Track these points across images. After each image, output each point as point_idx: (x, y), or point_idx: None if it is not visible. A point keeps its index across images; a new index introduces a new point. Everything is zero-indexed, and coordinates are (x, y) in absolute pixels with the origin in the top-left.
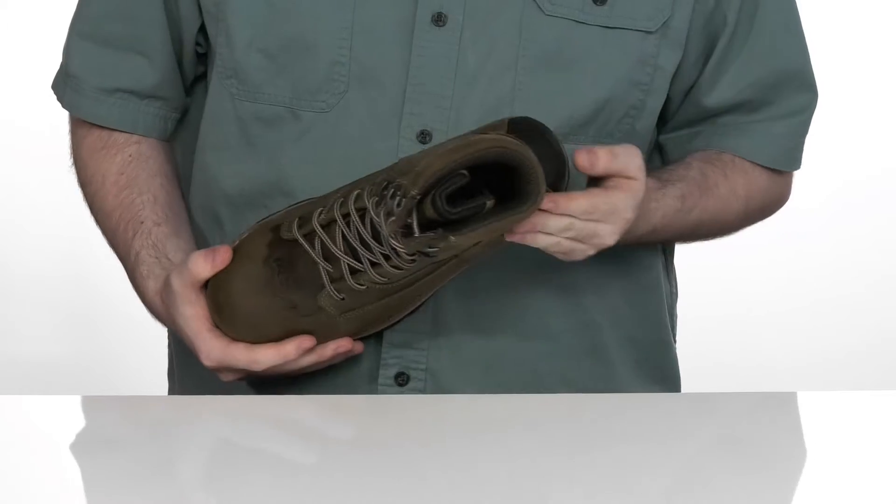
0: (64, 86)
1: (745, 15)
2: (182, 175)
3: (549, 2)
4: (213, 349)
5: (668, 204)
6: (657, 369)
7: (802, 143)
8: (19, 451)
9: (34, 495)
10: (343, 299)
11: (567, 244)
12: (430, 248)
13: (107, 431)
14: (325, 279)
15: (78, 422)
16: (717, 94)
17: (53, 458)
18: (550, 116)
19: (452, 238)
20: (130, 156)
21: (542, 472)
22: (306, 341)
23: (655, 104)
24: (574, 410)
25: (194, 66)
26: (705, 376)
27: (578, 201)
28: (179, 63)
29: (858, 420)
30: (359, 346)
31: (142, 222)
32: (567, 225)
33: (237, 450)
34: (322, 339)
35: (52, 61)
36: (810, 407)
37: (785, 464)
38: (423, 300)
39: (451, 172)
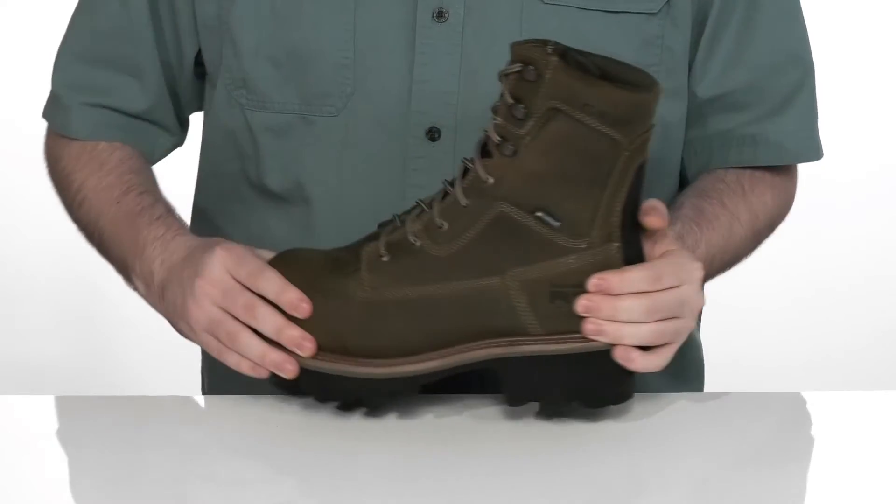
0: (54, 110)
1: None
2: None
3: None
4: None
5: None
6: (679, 366)
7: (815, 125)
8: (19, 451)
9: (34, 495)
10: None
11: (663, 329)
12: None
13: (107, 432)
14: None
15: (78, 422)
16: (708, 81)
17: (53, 459)
18: None
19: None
20: (129, 154)
21: (545, 470)
22: (303, 306)
23: (673, 85)
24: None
25: (191, 94)
26: (705, 376)
27: (634, 271)
28: (174, 91)
29: (858, 420)
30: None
31: (159, 198)
32: (648, 306)
33: (248, 450)
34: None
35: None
36: (810, 407)
37: (785, 464)
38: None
39: None
